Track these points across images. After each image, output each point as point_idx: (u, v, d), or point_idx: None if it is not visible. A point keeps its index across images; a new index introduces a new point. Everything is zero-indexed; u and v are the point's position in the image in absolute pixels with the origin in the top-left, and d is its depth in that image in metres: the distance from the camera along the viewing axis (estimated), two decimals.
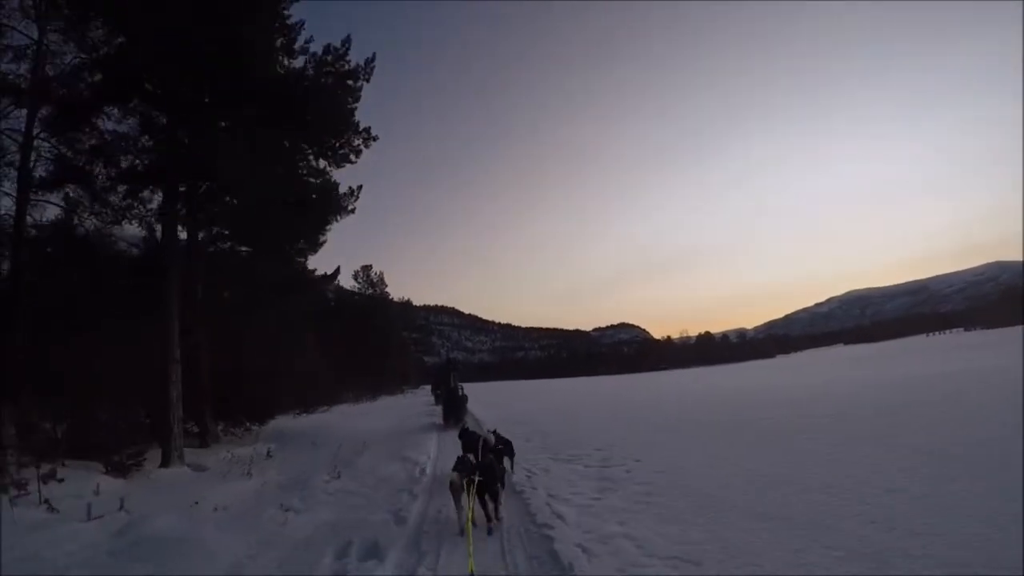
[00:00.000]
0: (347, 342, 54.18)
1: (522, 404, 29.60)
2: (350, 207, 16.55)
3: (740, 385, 32.42)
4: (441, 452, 13.34)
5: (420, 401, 42.40)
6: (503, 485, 7.38)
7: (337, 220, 16.72)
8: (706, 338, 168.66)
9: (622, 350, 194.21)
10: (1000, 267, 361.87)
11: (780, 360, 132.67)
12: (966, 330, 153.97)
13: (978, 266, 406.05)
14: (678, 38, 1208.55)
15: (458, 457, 7.86)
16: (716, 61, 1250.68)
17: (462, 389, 21.82)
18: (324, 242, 17.97)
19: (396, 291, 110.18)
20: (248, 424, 16.92)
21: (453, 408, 20.27)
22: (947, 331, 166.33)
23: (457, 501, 6.71)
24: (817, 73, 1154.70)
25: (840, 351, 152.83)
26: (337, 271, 20.99)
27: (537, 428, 17.25)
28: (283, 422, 21.50)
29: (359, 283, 68.95)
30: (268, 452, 13.32)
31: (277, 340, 18.30)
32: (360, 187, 16.69)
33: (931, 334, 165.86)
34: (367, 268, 69.47)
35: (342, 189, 16.50)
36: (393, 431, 18.90)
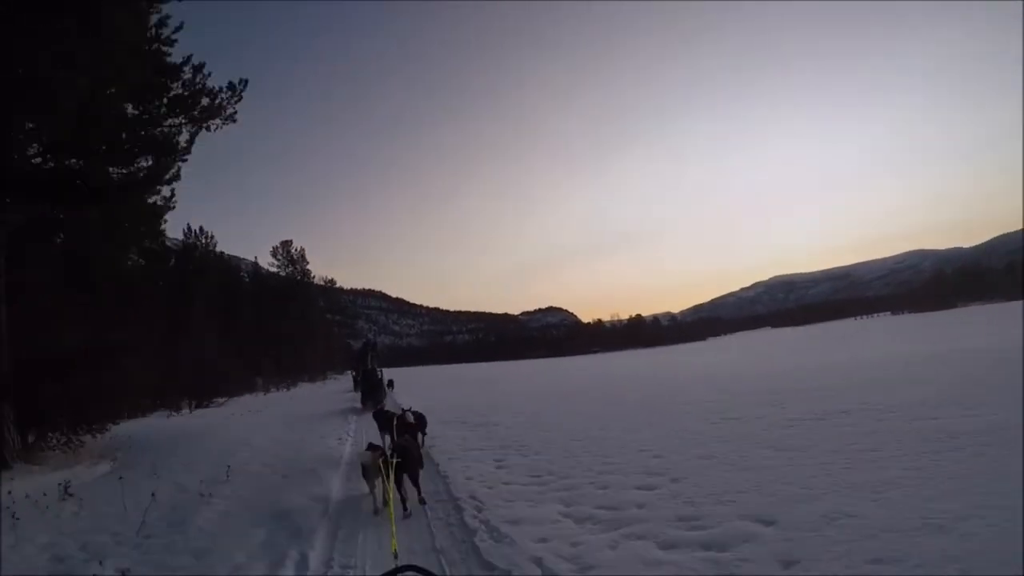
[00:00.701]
0: (263, 326, 47.92)
1: (444, 393, 25.62)
2: (229, 110, 11.10)
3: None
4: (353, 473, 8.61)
5: (342, 388, 37.23)
6: (422, 465, 7.32)
7: (209, 130, 11.18)
8: (636, 321, 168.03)
9: (552, 333, 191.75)
10: (921, 255, 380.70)
11: (710, 343, 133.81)
12: (893, 314, 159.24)
13: (900, 254, 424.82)
14: (613, 13, 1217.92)
15: (369, 443, 7.91)
16: (649, 41, 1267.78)
17: (381, 371, 21.36)
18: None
19: (320, 271, 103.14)
20: (78, 432, 11.17)
21: (371, 391, 19.72)
22: (875, 315, 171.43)
23: (372, 484, 6.53)
24: (745, 56, 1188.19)
25: (768, 334, 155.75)
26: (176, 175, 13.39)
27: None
28: (145, 425, 15.92)
29: (278, 260, 62.12)
30: (66, 488, 7.88)
31: (117, 310, 12.56)
32: (245, 81, 11.22)
33: (860, 317, 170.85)
34: (287, 244, 62.73)
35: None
36: (292, 439, 13.49)
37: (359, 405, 20.19)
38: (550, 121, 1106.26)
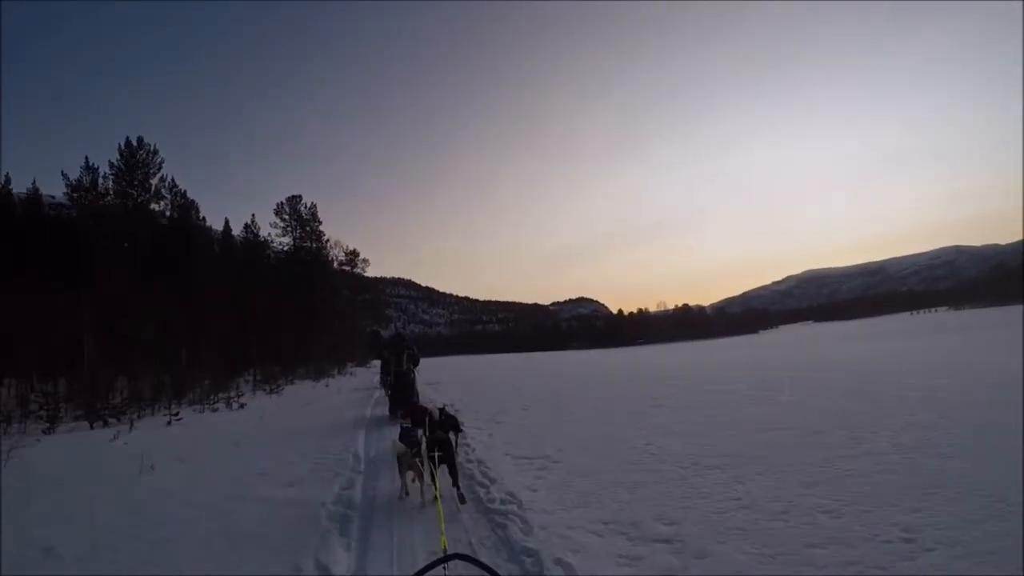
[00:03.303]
0: (258, 308, 33.86)
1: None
2: None
3: None
4: None
5: (362, 385, 24.82)
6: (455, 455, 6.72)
7: None
8: (684, 311, 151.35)
9: (591, 323, 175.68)
10: (956, 251, 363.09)
11: (764, 336, 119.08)
12: (954, 309, 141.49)
13: (933, 249, 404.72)
14: (648, 11, 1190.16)
15: (403, 428, 7.17)
16: (685, 35, 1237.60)
17: (415, 374, 14.00)
18: None
19: (335, 234, 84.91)
20: None
21: (404, 396, 13.18)
22: (932, 310, 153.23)
23: (403, 472, 6.32)
24: (778, 48, 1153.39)
25: (818, 328, 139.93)
26: None
27: None
28: None
29: (283, 221, 47.79)
30: None
31: None
32: None
33: (914, 312, 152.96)
34: (294, 200, 48.26)
35: None
36: None
37: (387, 413, 13.67)
38: (583, 111, 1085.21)
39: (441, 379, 23.41)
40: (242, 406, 17.65)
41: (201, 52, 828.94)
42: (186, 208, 30.33)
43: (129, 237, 25.45)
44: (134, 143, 28.37)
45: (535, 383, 20.00)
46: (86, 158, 28.02)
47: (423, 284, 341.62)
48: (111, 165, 27.92)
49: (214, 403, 18.30)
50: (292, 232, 47.43)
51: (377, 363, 20.07)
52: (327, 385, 26.68)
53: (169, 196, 29.62)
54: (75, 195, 26.64)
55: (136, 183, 27.94)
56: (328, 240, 50.47)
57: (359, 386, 24.55)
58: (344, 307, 53.01)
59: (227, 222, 44.21)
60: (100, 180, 27.58)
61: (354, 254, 57.62)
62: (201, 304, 26.59)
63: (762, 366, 20.73)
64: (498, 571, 2.11)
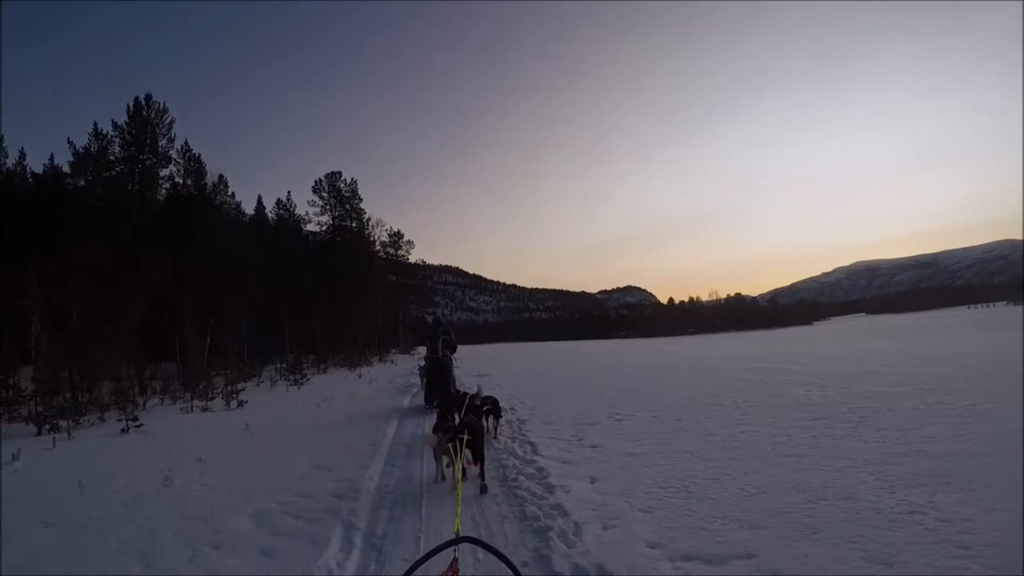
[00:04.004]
0: (292, 290, 30.51)
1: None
2: None
3: None
4: None
5: (402, 373, 21.81)
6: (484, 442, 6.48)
7: None
8: (736, 300, 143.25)
9: (641, 312, 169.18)
10: (1011, 245, 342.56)
11: (817, 327, 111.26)
12: (1013, 304, 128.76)
13: (987, 243, 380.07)
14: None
15: (439, 413, 7.70)
16: (732, 20, 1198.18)
17: (453, 360, 13.23)
18: None
19: (377, 212, 79.43)
20: None
21: (439, 383, 12.33)
22: (990, 304, 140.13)
23: (439, 460, 6.35)
24: (833, 36, 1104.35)
25: (872, 320, 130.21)
26: None
27: None
28: None
29: (322, 199, 44.42)
30: None
31: None
32: None
33: (973, 307, 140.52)
34: (333, 176, 44.80)
35: None
36: None
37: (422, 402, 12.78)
38: (630, 102, 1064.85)
39: (490, 371, 19.27)
40: (240, 404, 13.83)
41: (245, 25, 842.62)
42: (200, 172, 26.61)
43: (127, 206, 21.95)
44: (142, 100, 24.96)
45: (613, 379, 15.63)
46: (95, 123, 24.77)
47: (470, 272, 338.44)
48: (114, 125, 24.57)
49: (207, 399, 14.48)
50: (331, 211, 44.05)
51: (422, 350, 17.42)
52: (360, 376, 22.75)
53: (182, 161, 26.16)
54: (80, 163, 23.42)
55: (145, 146, 24.55)
56: (370, 219, 46.90)
57: (398, 375, 20.68)
58: (387, 291, 49.48)
59: (260, 199, 40.88)
60: (108, 147, 24.36)
61: (398, 235, 54.06)
62: (221, 284, 23.14)
63: (879, 362, 15.75)
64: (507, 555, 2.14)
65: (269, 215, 40.31)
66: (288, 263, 31.71)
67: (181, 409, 13.82)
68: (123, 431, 10.37)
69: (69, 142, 24.15)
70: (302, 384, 19.91)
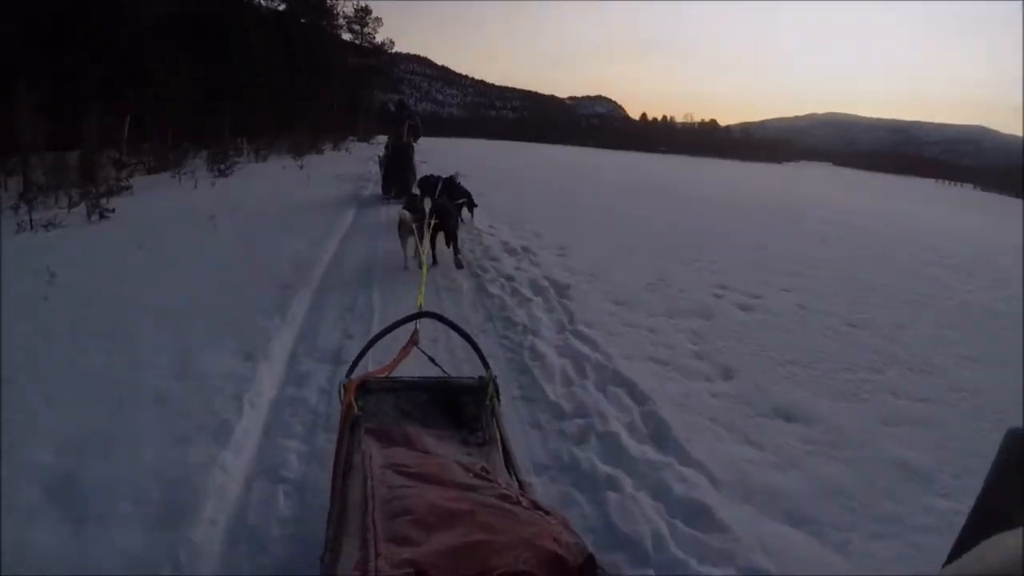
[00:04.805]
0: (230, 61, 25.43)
1: None
2: None
3: None
4: None
5: (354, 167, 18.88)
6: (457, 224, 6.66)
7: None
8: (711, 126, 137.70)
9: (611, 124, 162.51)
10: (982, 132, 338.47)
11: (789, 167, 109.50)
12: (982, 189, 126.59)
13: (961, 124, 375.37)
14: None
15: (407, 195, 7.52)
16: None
17: (413, 147, 12.47)
18: None
19: None
20: None
21: (398, 171, 12.00)
22: (959, 184, 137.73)
23: (404, 241, 6.23)
24: None
25: (842, 173, 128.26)
26: None
27: None
28: None
29: None
30: None
31: None
32: None
33: (941, 182, 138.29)
34: None
35: None
36: None
37: (379, 192, 12.38)
38: None
39: (470, 173, 16.35)
40: (103, 215, 9.75)
41: None
42: None
43: None
44: None
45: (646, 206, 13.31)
46: None
47: (439, 63, 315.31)
48: None
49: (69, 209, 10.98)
50: None
51: (383, 140, 15.26)
52: (301, 167, 19.47)
53: None
54: None
55: None
56: None
57: (347, 170, 17.62)
58: (348, 71, 43.87)
59: None
60: None
61: (365, 11, 46.76)
62: (133, 48, 18.71)
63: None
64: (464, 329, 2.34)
65: None
66: (231, 27, 26.37)
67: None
68: None
69: None
70: (227, 175, 16.76)
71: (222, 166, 17.11)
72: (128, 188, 12.66)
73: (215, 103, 21.25)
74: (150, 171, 17.01)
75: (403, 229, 6.10)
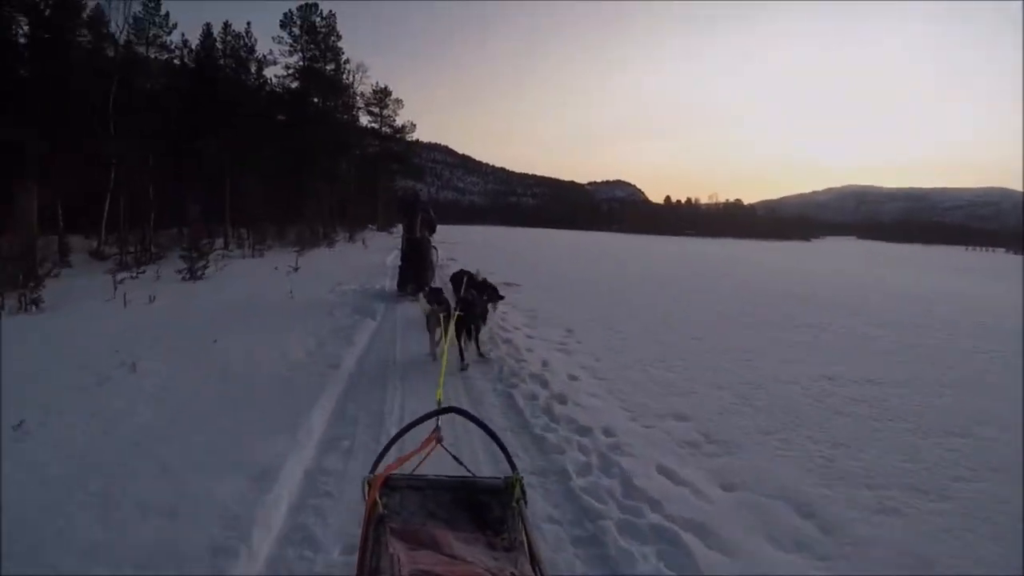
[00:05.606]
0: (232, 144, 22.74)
1: None
2: None
3: None
4: None
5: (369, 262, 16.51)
6: (484, 321, 6.55)
7: None
8: (736, 206, 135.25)
9: (635, 207, 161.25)
10: (1003, 193, 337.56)
11: (817, 244, 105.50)
12: (1013, 252, 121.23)
13: (981, 187, 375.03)
14: None
15: (430, 287, 7.15)
16: None
17: (431, 243, 11.83)
18: None
19: (360, 57, 62.45)
20: None
21: (416, 265, 11.39)
22: (989, 249, 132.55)
23: (432, 334, 6.22)
24: None
25: (869, 246, 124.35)
26: None
27: None
28: None
29: (291, 36, 35.46)
30: None
31: None
32: None
33: (972, 248, 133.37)
34: (306, 9, 35.45)
35: None
36: None
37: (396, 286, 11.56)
38: None
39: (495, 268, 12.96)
40: None
41: None
42: None
43: None
44: None
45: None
46: None
47: (459, 151, 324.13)
48: None
49: None
50: (302, 50, 35.22)
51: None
52: (296, 269, 15.65)
53: None
54: None
55: None
56: (348, 61, 37.96)
57: (352, 276, 13.81)
58: (366, 156, 41.69)
59: (208, 29, 31.38)
60: None
61: (384, 92, 45.24)
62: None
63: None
64: (490, 426, 2.17)
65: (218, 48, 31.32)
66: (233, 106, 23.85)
67: None
68: None
69: None
70: (200, 279, 13.12)
71: (197, 268, 13.45)
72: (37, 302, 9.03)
73: (203, 186, 18.14)
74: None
75: (430, 324, 6.17)
